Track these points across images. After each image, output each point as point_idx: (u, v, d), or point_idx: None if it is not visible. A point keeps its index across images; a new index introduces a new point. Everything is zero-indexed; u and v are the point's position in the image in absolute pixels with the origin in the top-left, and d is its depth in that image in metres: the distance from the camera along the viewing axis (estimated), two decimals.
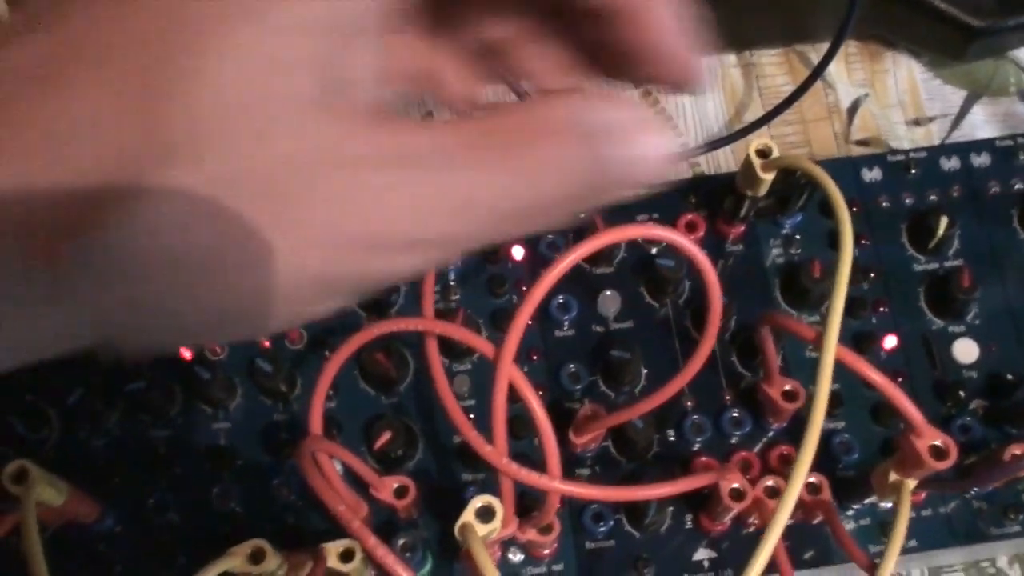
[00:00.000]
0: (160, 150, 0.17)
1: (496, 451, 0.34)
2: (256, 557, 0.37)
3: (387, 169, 0.18)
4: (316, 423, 0.37)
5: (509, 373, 0.33)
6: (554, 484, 0.35)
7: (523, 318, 0.33)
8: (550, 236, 0.47)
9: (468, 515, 0.35)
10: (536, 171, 0.20)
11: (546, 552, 0.43)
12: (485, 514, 0.35)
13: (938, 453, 0.35)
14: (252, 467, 0.44)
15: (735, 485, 0.39)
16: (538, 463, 0.35)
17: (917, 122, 0.55)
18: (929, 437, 0.35)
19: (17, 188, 0.17)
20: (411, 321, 0.39)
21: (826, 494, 0.40)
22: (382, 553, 0.34)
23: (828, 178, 0.39)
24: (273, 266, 0.18)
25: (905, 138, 0.55)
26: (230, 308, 0.19)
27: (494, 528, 0.35)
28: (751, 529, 0.43)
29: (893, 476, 0.38)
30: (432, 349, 0.37)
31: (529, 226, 0.21)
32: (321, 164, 0.18)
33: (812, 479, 0.40)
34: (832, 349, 0.34)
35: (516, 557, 0.43)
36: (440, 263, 0.27)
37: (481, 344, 0.35)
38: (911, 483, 0.37)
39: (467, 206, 0.19)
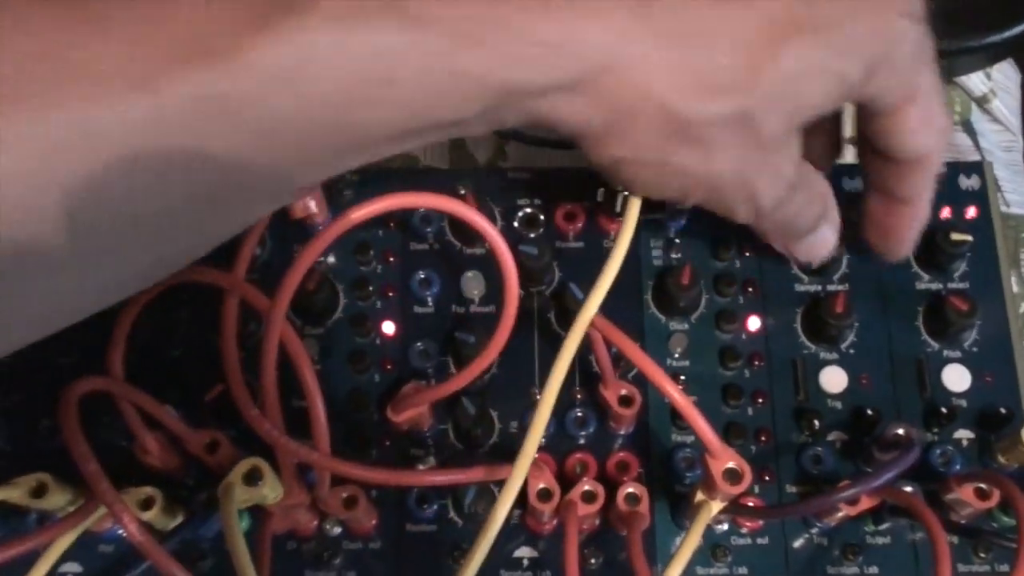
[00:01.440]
0: None
1: (259, 415, 0.33)
2: (39, 491, 0.36)
3: None
4: (116, 361, 0.36)
5: (279, 332, 0.32)
6: (314, 457, 0.33)
7: (293, 279, 0.31)
8: (422, 210, 0.45)
9: (234, 476, 0.34)
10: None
11: (365, 528, 0.41)
12: (252, 477, 0.34)
13: (732, 476, 0.33)
14: None
15: (542, 485, 0.38)
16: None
17: (853, 142, 0.53)
18: (724, 459, 0.33)
19: None
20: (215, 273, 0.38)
21: (643, 507, 0.38)
22: (112, 503, 0.33)
23: None
24: None
25: None
26: None
27: (263, 494, 0.34)
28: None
29: (699, 496, 0.36)
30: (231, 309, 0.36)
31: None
32: None
33: (632, 488, 0.38)
34: (571, 348, 0.33)
35: (334, 530, 0.42)
36: None
37: (260, 301, 0.34)
38: (715, 506, 0.36)
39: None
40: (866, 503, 0.38)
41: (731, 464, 0.33)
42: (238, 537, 0.32)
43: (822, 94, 0.33)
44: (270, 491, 0.34)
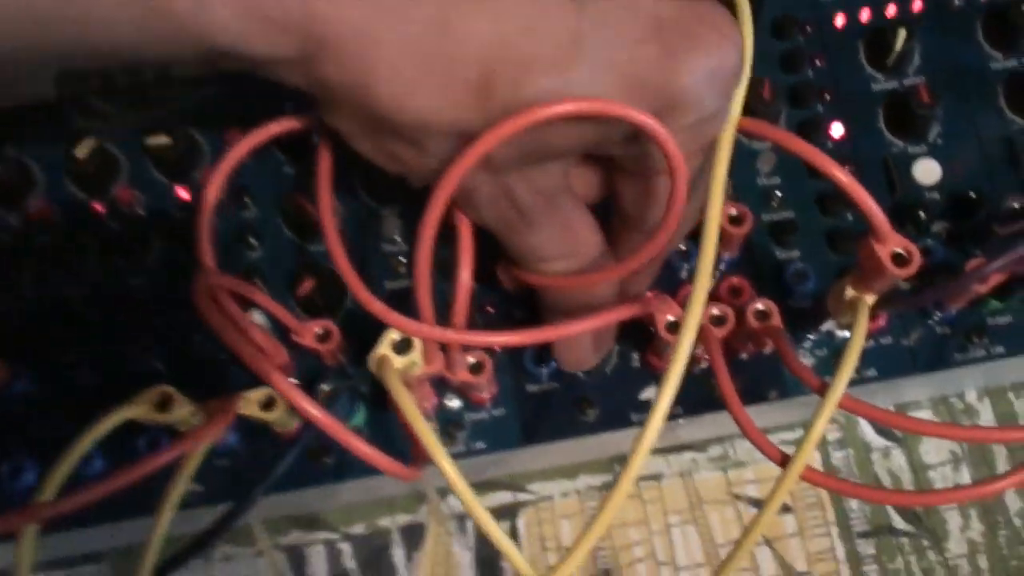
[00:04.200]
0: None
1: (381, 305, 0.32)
2: (163, 404, 0.34)
3: None
4: (206, 251, 0.34)
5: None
6: (448, 334, 0.32)
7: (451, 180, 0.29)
8: None
9: (383, 347, 0.32)
10: None
11: (485, 396, 0.40)
12: (402, 346, 0.32)
13: (900, 260, 0.32)
14: (172, 322, 0.41)
15: (670, 317, 0.36)
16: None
17: None
18: (892, 243, 0.32)
19: None
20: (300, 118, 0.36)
21: (776, 320, 0.37)
22: (295, 395, 0.32)
23: None
24: None
25: None
26: None
27: (413, 361, 0.32)
28: (703, 365, 0.41)
29: (850, 293, 0.35)
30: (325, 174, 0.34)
31: None
32: None
33: (760, 305, 0.37)
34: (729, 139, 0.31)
35: (454, 403, 0.41)
36: None
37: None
38: (869, 299, 0.35)
39: None
40: (995, 278, 0.38)
41: (899, 248, 0.32)
42: (411, 405, 0.30)
43: (564, 140, 0.30)
44: (420, 358, 0.33)
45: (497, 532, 0.30)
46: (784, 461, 0.33)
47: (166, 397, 0.34)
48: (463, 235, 0.34)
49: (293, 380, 0.33)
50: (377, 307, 0.32)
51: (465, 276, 0.34)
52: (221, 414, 0.34)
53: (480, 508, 0.30)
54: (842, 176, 0.32)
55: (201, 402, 0.36)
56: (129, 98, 0.40)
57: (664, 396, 0.30)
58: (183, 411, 0.35)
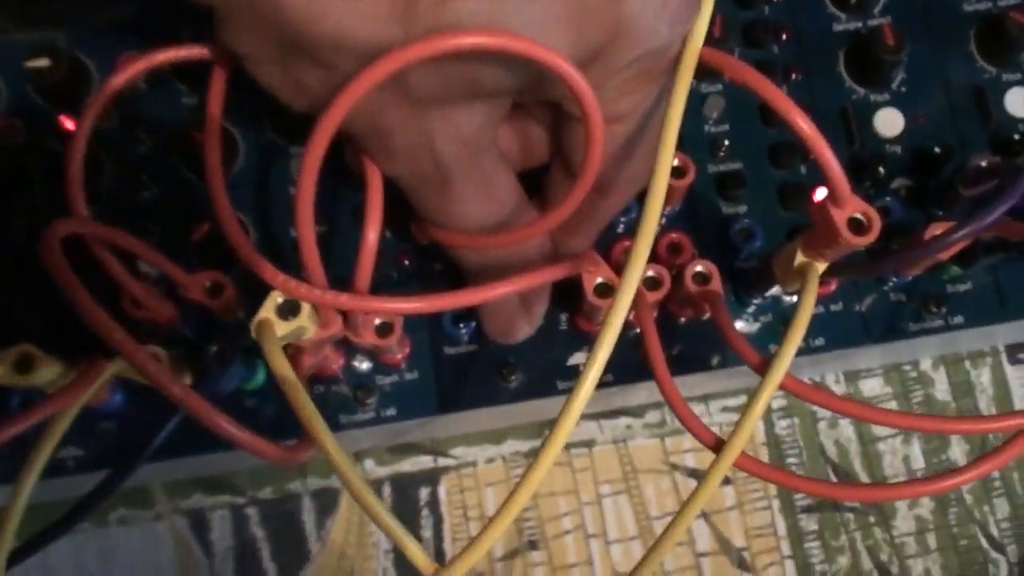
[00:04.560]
0: None
1: (284, 277, 0.28)
2: (24, 365, 0.31)
3: None
4: (76, 196, 0.30)
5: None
6: (341, 299, 0.28)
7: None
8: None
9: (266, 310, 0.28)
10: None
11: (397, 358, 0.37)
12: (287, 309, 0.28)
13: (858, 226, 0.29)
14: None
15: (600, 279, 0.33)
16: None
17: None
18: (851, 207, 0.29)
19: None
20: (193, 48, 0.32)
21: (716, 284, 0.34)
22: (149, 368, 0.28)
23: None
24: None
25: None
26: None
27: (300, 326, 0.29)
28: (638, 329, 0.38)
29: (800, 258, 0.32)
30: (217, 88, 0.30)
31: None
32: None
33: (699, 267, 0.34)
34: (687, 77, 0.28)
35: (363, 365, 0.37)
36: None
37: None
38: (820, 266, 0.31)
39: None
40: (958, 245, 0.34)
41: (858, 213, 0.28)
42: (291, 374, 0.27)
43: (492, 77, 0.26)
44: (309, 323, 0.29)
45: (389, 521, 0.26)
46: (717, 446, 0.30)
47: (27, 357, 0.30)
48: (372, 188, 0.30)
49: (154, 345, 0.30)
50: (265, 268, 0.28)
51: (372, 236, 0.30)
52: (87, 377, 0.31)
53: (368, 493, 0.26)
54: (805, 125, 0.28)
55: (73, 362, 0.32)
56: None
57: (591, 370, 0.26)
58: (49, 372, 0.31)
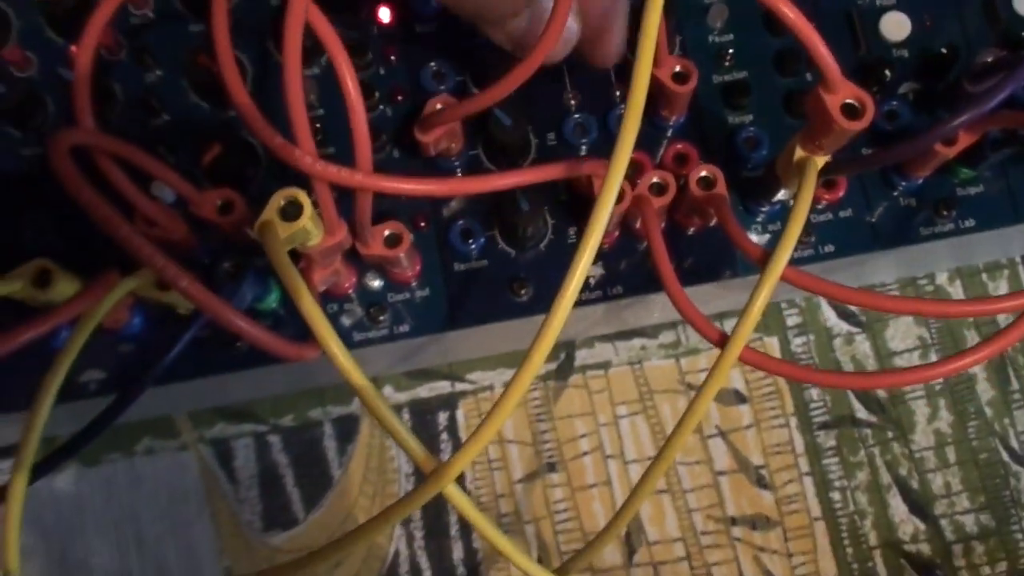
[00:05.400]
0: None
1: (285, 141, 0.28)
2: (41, 279, 0.31)
3: None
4: (83, 108, 0.31)
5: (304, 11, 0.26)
6: (356, 177, 0.28)
7: None
8: None
9: (269, 212, 0.29)
10: None
11: (408, 274, 0.37)
12: (290, 210, 0.29)
13: (851, 111, 0.29)
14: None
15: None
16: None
17: None
18: (843, 92, 0.29)
19: None
20: None
21: (720, 187, 0.34)
22: (170, 270, 0.28)
23: None
24: None
25: None
26: None
27: (303, 227, 0.29)
28: (646, 243, 0.38)
29: (799, 153, 0.32)
30: (220, 15, 0.30)
31: None
32: None
33: (703, 172, 0.34)
34: None
35: (375, 283, 0.37)
36: None
37: None
38: (819, 160, 0.31)
39: None
40: (964, 141, 0.34)
41: (850, 98, 0.28)
42: (295, 274, 0.27)
43: None
44: (312, 225, 0.29)
45: (391, 418, 0.26)
46: (723, 341, 0.30)
47: (44, 271, 0.31)
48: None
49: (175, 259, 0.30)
50: (277, 141, 0.28)
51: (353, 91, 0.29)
52: (99, 286, 0.31)
53: (378, 399, 0.26)
54: (790, 13, 0.28)
55: (89, 280, 0.32)
56: None
57: (577, 267, 0.26)
58: (68, 288, 0.32)
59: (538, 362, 0.26)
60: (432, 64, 0.38)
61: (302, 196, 0.29)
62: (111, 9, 0.32)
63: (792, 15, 0.28)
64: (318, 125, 0.38)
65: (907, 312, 0.29)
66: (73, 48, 0.38)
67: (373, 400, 0.26)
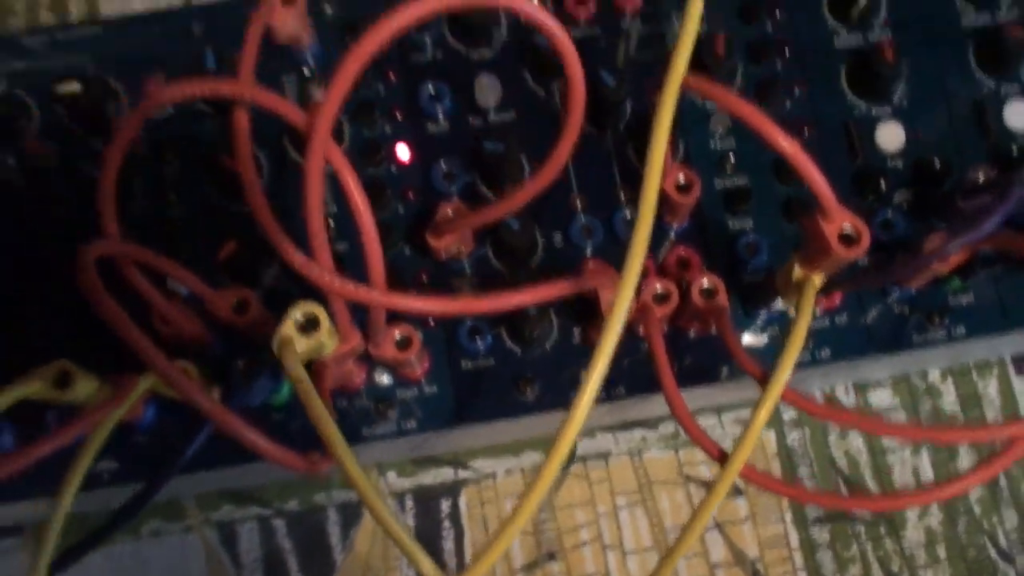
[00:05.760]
0: None
1: (305, 258, 0.29)
2: (63, 381, 0.32)
3: None
4: (109, 218, 0.32)
5: (325, 150, 0.27)
6: (373, 295, 0.29)
7: (340, 87, 0.27)
8: None
9: (287, 327, 0.30)
10: None
11: (417, 372, 0.38)
12: (308, 325, 0.30)
13: (848, 240, 0.30)
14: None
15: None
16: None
17: None
18: (840, 220, 0.30)
19: None
20: (217, 83, 0.33)
21: (722, 298, 0.35)
22: (182, 383, 0.29)
23: None
24: None
25: None
26: None
27: (321, 343, 0.30)
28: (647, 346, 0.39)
29: (797, 272, 0.33)
30: (242, 123, 0.31)
31: None
32: None
33: (706, 282, 0.35)
34: (668, 114, 0.29)
35: (384, 379, 0.38)
36: None
37: (289, 110, 0.29)
38: (818, 280, 0.33)
39: None
40: (957, 258, 0.35)
41: (847, 225, 0.29)
42: (311, 391, 0.28)
43: None
44: (328, 339, 0.30)
45: (397, 529, 0.27)
46: (722, 458, 0.31)
47: (66, 373, 0.32)
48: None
49: (184, 361, 0.31)
50: (298, 259, 0.29)
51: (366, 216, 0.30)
52: (122, 392, 0.32)
53: (384, 509, 0.27)
54: (786, 144, 0.29)
55: (106, 377, 0.33)
56: None
57: (591, 383, 0.27)
58: (85, 388, 0.33)
59: (541, 492, 0.27)
60: (442, 163, 0.39)
61: (319, 311, 0.30)
62: (137, 124, 0.33)
63: (788, 147, 0.29)
64: (330, 222, 0.39)
65: (908, 437, 0.30)
66: (97, 147, 0.39)
67: (381, 512, 0.27)
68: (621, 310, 0.27)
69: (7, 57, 0.41)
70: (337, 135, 0.39)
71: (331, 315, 0.31)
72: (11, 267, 0.38)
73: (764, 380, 0.30)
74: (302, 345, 0.29)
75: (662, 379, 0.33)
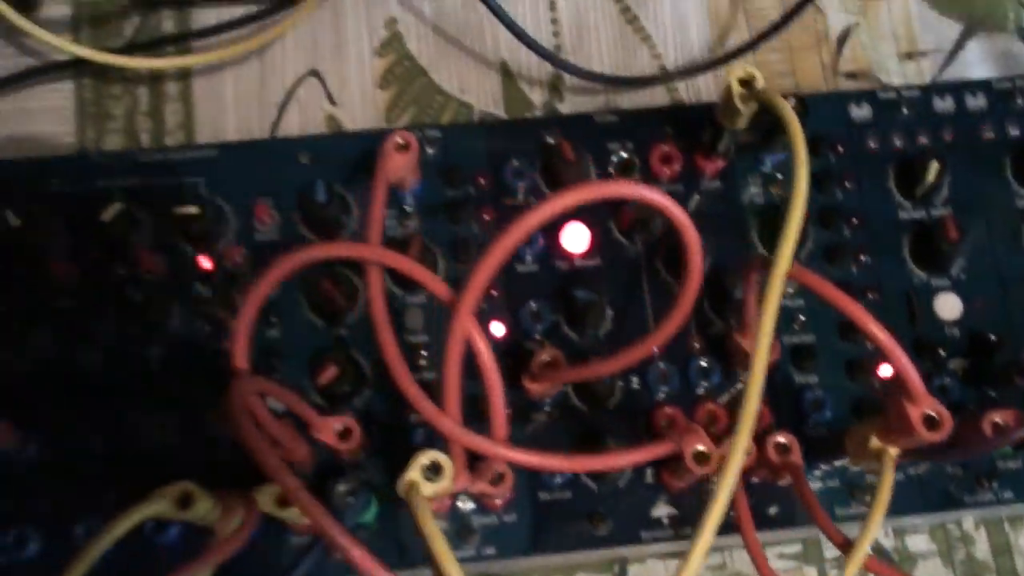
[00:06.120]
0: None
1: (440, 413, 0.31)
2: (184, 501, 0.34)
3: None
4: (240, 355, 0.34)
5: (466, 329, 0.30)
6: (498, 450, 0.32)
7: (484, 273, 0.29)
8: (515, 162, 0.44)
9: (414, 472, 0.32)
10: None
11: (498, 502, 0.40)
12: (433, 471, 0.32)
13: (931, 423, 0.33)
14: (186, 398, 0.41)
15: (699, 448, 0.36)
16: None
17: (909, 56, 0.52)
18: (925, 405, 0.32)
19: None
20: (354, 247, 0.36)
21: (796, 455, 0.37)
22: (308, 505, 0.31)
23: (793, 116, 0.36)
24: None
25: (895, 72, 0.52)
26: None
27: (443, 487, 0.32)
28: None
29: (875, 443, 0.36)
30: (376, 283, 0.34)
31: None
32: None
33: (782, 439, 0.38)
34: (775, 301, 0.32)
35: (466, 506, 0.41)
36: None
37: (436, 286, 0.32)
38: (894, 452, 0.35)
39: None
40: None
41: (931, 411, 0.32)
42: (438, 536, 0.30)
43: None
44: (450, 483, 0.32)
45: None
46: None
47: (188, 494, 0.34)
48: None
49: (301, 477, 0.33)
50: (447, 425, 0.32)
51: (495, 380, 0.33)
52: (248, 518, 0.34)
53: None
54: (883, 337, 0.32)
55: (218, 493, 0.35)
56: None
57: (702, 539, 0.30)
58: (204, 507, 0.35)
59: None
60: (532, 303, 0.42)
61: (444, 460, 0.32)
62: (269, 288, 0.35)
63: (882, 337, 0.32)
64: (423, 353, 0.41)
65: None
66: (204, 264, 0.42)
67: None
68: (731, 478, 0.30)
69: (124, 172, 0.43)
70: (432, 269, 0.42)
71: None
72: (126, 371, 0.41)
73: (845, 547, 0.33)
74: (428, 490, 0.32)
75: (743, 530, 0.35)
